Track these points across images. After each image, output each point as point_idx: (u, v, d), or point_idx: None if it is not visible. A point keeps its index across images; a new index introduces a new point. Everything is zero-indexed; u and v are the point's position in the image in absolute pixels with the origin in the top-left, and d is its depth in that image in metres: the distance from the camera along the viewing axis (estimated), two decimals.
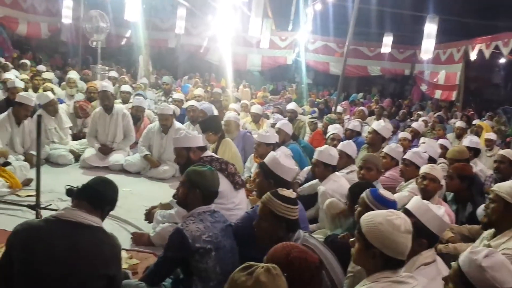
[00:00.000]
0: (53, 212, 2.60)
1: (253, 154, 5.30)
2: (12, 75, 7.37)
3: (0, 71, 7.99)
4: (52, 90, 7.15)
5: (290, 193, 2.52)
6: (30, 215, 3.38)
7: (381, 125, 5.35)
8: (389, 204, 2.68)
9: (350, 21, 9.18)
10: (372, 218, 1.97)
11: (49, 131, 5.88)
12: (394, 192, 3.87)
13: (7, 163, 4.72)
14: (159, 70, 14.23)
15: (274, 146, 4.76)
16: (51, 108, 5.88)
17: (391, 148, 4.58)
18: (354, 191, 3.10)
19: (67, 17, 12.89)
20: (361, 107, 9.78)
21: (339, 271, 2.51)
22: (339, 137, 5.60)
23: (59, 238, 2.14)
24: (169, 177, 5.63)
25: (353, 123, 6.50)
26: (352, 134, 6.15)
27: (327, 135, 5.79)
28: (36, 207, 3.23)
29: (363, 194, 2.82)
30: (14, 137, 5.25)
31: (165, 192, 4.83)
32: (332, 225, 3.42)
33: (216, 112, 7.73)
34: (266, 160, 3.22)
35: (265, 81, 15.49)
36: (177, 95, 8.28)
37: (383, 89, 17.43)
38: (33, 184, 4.51)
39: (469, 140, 5.57)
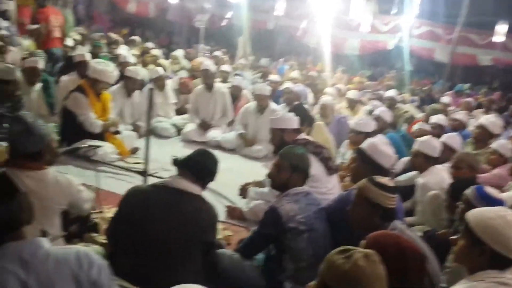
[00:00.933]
0: (158, 179, 2.81)
1: (347, 140, 5.22)
2: (124, 51, 7.96)
3: (113, 47, 8.65)
4: (163, 66, 7.61)
5: (388, 180, 2.45)
6: (137, 181, 3.66)
7: (490, 120, 4.95)
8: (496, 203, 2.50)
9: (460, 6, 8.50)
10: (482, 213, 1.86)
11: (155, 104, 6.30)
12: (501, 191, 3.60)
13: (117, 132, 5.15)
14: (257, 51, 14.42)
15: (371, 134, 4.63)
16: (159, 83, 6.28)
17: (501, 144, 4.22)
18: (456, 188, 2.93)
19: None
20: (468, 99, 9.10)
21: (436, 266, 2.41)
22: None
23: (164, 203, 2.31)
24: (262, 156, 5.75)
25: (459, 114, 6.09)
26: (458, 126, 5.75)
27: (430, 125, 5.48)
28: (144, 173, 3.49)
29: (468, 191, 2.67)
30: (124, 108, 5.71)
31: (258, 170, 4.96)
32: (433, 220, 3.27)
33: (310, 96, 7.73)
34: (364, 145, 3.15)
35: (363, 66, 14.98)
36: (273, 77, 8.37)
37: (493, 80, 16.01)
38: (139, 153, 4.93)
39: None
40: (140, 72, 5.82)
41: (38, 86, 5.31)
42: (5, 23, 8.61)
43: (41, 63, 5.35)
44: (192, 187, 2.36)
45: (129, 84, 5.65)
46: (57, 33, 8.18)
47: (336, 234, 2.70)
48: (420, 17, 14.24)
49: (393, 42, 14.59)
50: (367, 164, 3.04)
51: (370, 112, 6.01)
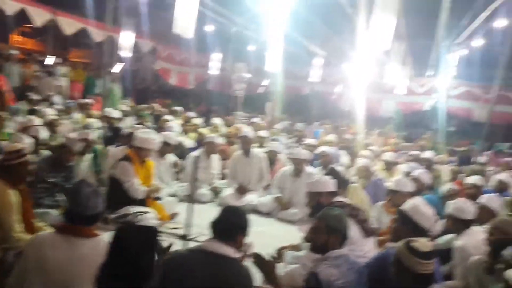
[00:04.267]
0: (197, 243, 2.92)
1: (380, 203, 5.19)
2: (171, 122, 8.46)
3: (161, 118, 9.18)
4: (203, 134, 7.98)
5: (424, 245, 2.45)
6: (176, 246, 3.77)
7: None
8: None
9: (498, 66, 8.57)
10: None
11: (199, 169, 6.52)
12: None
13: (158, 198, 5.37)
14: (292, 116, 14.80)
15: (409, 196, 4.61)
16: (209, 147, 6.56)
17: None
18: (496, 249, 2.88)
19: (214, 68, 14.44)
20: (508, 158, 8.88)
21: None
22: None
23: (201, 267, 2.36)
24: (297, 220, 5.77)
25: (504, 175, 5.97)
26: (501, 187, 5.63)
27: (465, 186, 5.42)
28: (184, 238, 3.63)
29: (506, 252, 2.64)
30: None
31: (294, 234, 4.97)
32: (476, 285, 3.19)
33: (345, 158, 7.80)
34: (405, 206, 3.19)
35: (399, 127, 14.97)
36: (309, 141, 8.55)
37: None
38: (178, 218, 5.09)
39: None
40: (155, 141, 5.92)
41: (88, 156, 5.70)
42: (58, 98, 9.41)
43: (92, 135, 5.78)
44: (227, 250, 2.41)
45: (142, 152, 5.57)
46: None
47: None
48: (457, 78, 14.34)
49: (429, 103, 14.64)
50: (407, 225, 3.07)
51: (407, 174, 5.99)
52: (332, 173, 5.09)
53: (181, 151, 6.96)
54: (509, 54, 9.52)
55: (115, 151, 5.93)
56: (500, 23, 9.76)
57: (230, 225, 2.49)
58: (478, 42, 12.15)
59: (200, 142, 7.44)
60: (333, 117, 16.17)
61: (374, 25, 5.28)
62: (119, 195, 4.87)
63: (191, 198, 3.74)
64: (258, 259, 2.66)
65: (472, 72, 14.16)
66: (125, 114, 9.13)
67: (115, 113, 8.14)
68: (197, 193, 6.21)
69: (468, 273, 3.27)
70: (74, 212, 2.50)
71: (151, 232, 2.04)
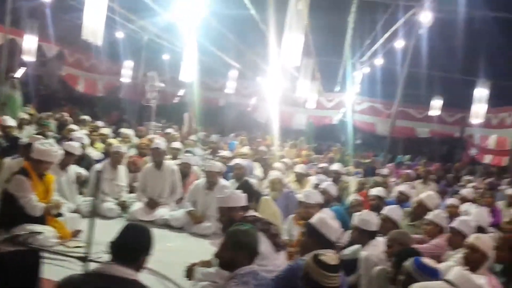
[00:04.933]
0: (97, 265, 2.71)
1: (292, 216, 5.30)
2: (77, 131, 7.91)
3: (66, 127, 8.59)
4: (110, 144, 7.58)
5: (331, 258, 2.50)
6: (76, 266, 3.50)
7: (428, 196, 5.27)
8: (433, 273, 2.62)
9: (398, 83, 9.29)
10: (426, 285, 1.99)
11: (104, 181, 6.17)
12: (439, 260, 3.75)
13: (59, 214, 4.96)
14: (208, 127, 14.76)
15: (319, 208, 4.75)
16: (115, 158, 6.25)
17: (435, 214, 4.47)
18: (400, 259, 3.03)
19: (126, 76, 13.95)
20: (408, 170, 9.59)
21: None
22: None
23: None
24: (211, 233, 5.69)
25: (404, 187, 6.38)
26: (403, 199, 6.01)
27: (369, 197, 5.73)
28: (85, 259, 3.36)
29: (407, 263, 2.78)
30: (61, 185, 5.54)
31: (206, 249, 4.85)
32: None
33: (259, 171, 7.89)
34: (312, 219, 3.25)
35: (309, 140, 15.61)
36: (224, 153, 8.53)
37: (431, 152, 17.04)
38: (81, 236, 4.75)
39: None
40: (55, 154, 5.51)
41: None
42: None
43: None
44: (125, 272, 2.23)
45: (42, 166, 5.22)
46: None
47: None
48: (361, 94, 15.34)
49: (337, 117, 15.48)
50: (314, 237, 3.14)
51: (316, 186, 6.18)
52: (245, 186, 5.09)
53: (87, 163, 6.55)
54: (407, 72, 10.42)
55: (11, 163, 5.41)
56: (399, 43, 10.58)
57: (132, 246, 2.32)
58: (380, 61, 13.08)
59: (108, 153, 7.06)
60: (248, 129, 16.42)
61: (284, 42, 5.45)
62: (14, 212, 4.43)
63: (94, 213, 3.49)
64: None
65: (375, 89, 15.25)
66: (25, 122, 8.42)
67: (11, 122, 7.44)
68: (102, 207, 5.88)
69: (372, 283, 3.42)
70: None
71: (34, 256, 1.84)
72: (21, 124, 8.27)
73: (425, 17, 7.47)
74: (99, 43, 6.67)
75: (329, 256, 2.51)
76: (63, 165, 5.57)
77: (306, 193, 5.20)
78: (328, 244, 3.09)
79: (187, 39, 9.10)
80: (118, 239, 2.34)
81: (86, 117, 10.34)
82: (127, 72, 14.12)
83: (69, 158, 5.59)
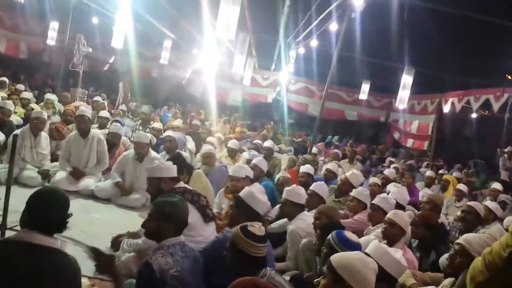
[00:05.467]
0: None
1: (222, 190, 5.33)
2: None
3: None
4: (32, 109, 7.09)
5: (259, 229, 2.55)
6: None
7: (353, 174, 5.51)
8: (353, 247, 2.74)
9: (331, 66, 9.52)
10: (343, 254, 2.16)
11: (25, 148, 5.79)
12: (361, 235, 3.95)
13: None
14: (140, 98, 14.27)
15: (248, 181, 4.81)
16: (37, 125, 5.85)
17: (358, 191, 4.69)
18: (326, 232, 3.14)
19: (51, 38, 13.01)
20: (336, 150, 9.97)
21: None
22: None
23: (19, 260, 2.07)
24: (139, 206, 5.57)
25: (332, 165, 6.61)
26: (330, 176, 6.24)
27: (299, 174, 5.89)
28: (1, 227, 3.16)
29: (329, 236, 2.89)
30: None
31: (133, 221, 4.76)
32: (306, 266, 3.45)
33: (191, 144, 7.80)
34: (241, 193, 3.29)
35: (244, 116, 15.69)
36: (156, 125, 8.31)
37: (359, 133, 17.84)
38: None
39: None
40: None
41: None
42: None
43: None
44: (46, 240, 2.13)
45: None
46: None
47: (213, 278, 2.72)
48: (296, 74, 15.55)
49: (272, 96, 15.64)
50: (243, 210, 3.18)
51: (248, 162, 6.24)
52: (177, 158, 5.01)
53: (8, 129, 6.08)
54: (339, 56, 10.67)
55: None
56: (332, 26, 10.80)
57: (47, 213, 2.17)
58: (314, 43, 13.30)
59: (28, 118, 6.59)
60: (182, 102, 16.12)
61: (220, 14, 5.37)
62: None
63: (10, 181, 3.27)
64: (94, 253, 2.43)
65: (310, 70, 15.54)
66: None
67: None
68: (22, 175, 5.53)
69: (299, 254, 3.54)
70: None
71: None
72: None
73: (358, 1, 7.64)
74: (20, 0, 6.15)
75: (257, 227, 2.55)
76: None
77: (235, 167, 5.26)
78: (256, 216, 3.17)
79: (120, 4, 8.65)
80: (33, 205, 2.19)
81: (5, 79, 9.55)
82: (52, 34, 13.16)
83: None
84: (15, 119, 7.07)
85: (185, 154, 5.86)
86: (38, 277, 2.06)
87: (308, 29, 12.12)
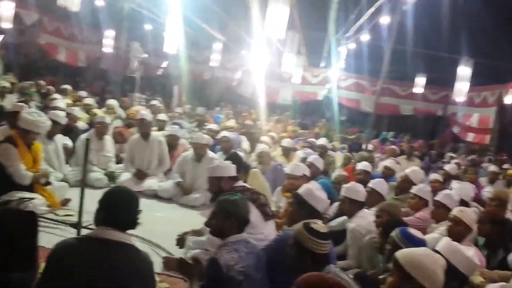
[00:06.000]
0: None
1: (279, 188, 5.37)
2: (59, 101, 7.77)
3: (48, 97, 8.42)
4: (95, 114, 7.49)
5: (321, 226, 2.57)
6: (68, 234, 3.51)
7: (413, 171, 5.40)
8: (418, 243, 2.71)
9: (383, 60, 9.32)
10: (410, 251, 2.08)
11: (91, 151, 6.10)
12: (424, 233, 3.87)
13: (48, 183, 4.93)
14: (193, 100, 14.63)
15: (306, 180, 4.82)
16: (99, 128, 6.18)
17: (419, 188, 4.58)
18: (387, 230, 3.12)
19: (107, 46, 13.61)
20: (392, 146, 9.73)
21: None
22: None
23: (93, 256, 2.16)
24: (200, 205, 5.72)
25: (389, 162, 6.49)
26: (389, 173, 6.09)
27: (355, 172, 5.83)
28: (78, 225, 3.38)
29: (393, 233, 2.86)
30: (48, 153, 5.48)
31: (195, 219, 4.93)
32: (369, 264, 3.43)
33: (246, 144, 7.93)
34: (300, 190, 3.31)
35: (295, 115, 15.64)
36: (211, 125, 8.52)
37: (415, 129, 17.28)
38: (70, 205, 4.75)
39: None
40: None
41: None
42: None
43: None
44: (120, 236, 2.22)
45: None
46: None
47: (276, 276, 2.76)
48: (346, 70, 15.33)
49: (322, 93, 15.49)
50: (302, 208, 3.19)
51: (303, 160, 6.26)
52: (234, 158, 5.13)
53: (75, 134, 6.46)
54: (392, 49, 10.40)
55: None
56: (384, 19, 10.55)
57: (121, 211, 2.27)
58: (365, 37, 13.05)
59: (92, 123, 6.97)
60: (233, 103, 16.33)
61: (269, 13, 5.40)
62: (2, 180, 4.37)
63: (83, 183, 3.48)
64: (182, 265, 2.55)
65: (360, 65, 15.25)
66: (7, 91, 8.23)
67: None
68: (89, 177, 5.85)
69: (361, 252, 3.52)
70: None
71: (31, 218, 1.82)
72: (2, 92, 8.11)
73: None
74: (75, 10, 6.49)
75: (319, 225, 2.57)
76: (50, 135, 5.49)
77: (292, 165, 5.30)
78: (315, 214, 3.15)
79: (170, 9, 8.91)
80: (107, 204, 2.30)
81: (68, 87, 10.13)
82: (108, 42, 13.77)
83: (55, 127, 5.50)
84: (80, 124, 7.49)
85: (241, 154, 5.98)
86: (115, 271, 2.14)
87: (358, 24, 11.92)
